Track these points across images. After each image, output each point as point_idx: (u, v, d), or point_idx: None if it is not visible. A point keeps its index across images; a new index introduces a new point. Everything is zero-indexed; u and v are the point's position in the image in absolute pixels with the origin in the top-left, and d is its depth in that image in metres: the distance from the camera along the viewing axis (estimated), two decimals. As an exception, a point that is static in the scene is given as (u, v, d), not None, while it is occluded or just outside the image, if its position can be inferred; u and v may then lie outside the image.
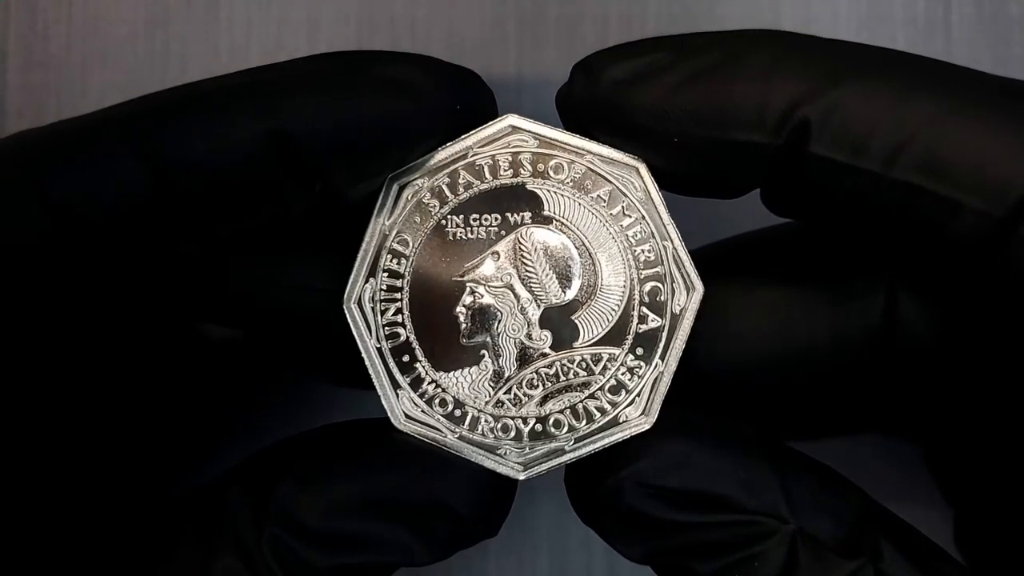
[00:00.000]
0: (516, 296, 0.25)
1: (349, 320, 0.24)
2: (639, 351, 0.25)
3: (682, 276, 0.24)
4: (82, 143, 0.22)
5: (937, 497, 0.31)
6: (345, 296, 0.24)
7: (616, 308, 0.25)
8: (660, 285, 0.25)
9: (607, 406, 0.25)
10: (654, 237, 0.25)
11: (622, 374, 0.25)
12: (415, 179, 0.25)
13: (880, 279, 0.26)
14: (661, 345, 0.24)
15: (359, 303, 0.25)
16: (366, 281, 0.25)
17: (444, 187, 0.25)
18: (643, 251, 0.25)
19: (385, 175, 0.24)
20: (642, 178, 0.24)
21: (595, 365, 0.25)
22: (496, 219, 0.25)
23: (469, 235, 0.25)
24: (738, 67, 0.23)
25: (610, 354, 0.25)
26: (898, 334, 0.26)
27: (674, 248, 0.24)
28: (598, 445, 0.24)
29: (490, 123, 0.25)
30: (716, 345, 0.26)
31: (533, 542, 0.33)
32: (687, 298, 0.24)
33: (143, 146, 0.22)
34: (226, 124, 0.22)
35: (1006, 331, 0.24)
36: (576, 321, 0.25)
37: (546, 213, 0.25)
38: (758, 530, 0.23)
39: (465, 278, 0.25)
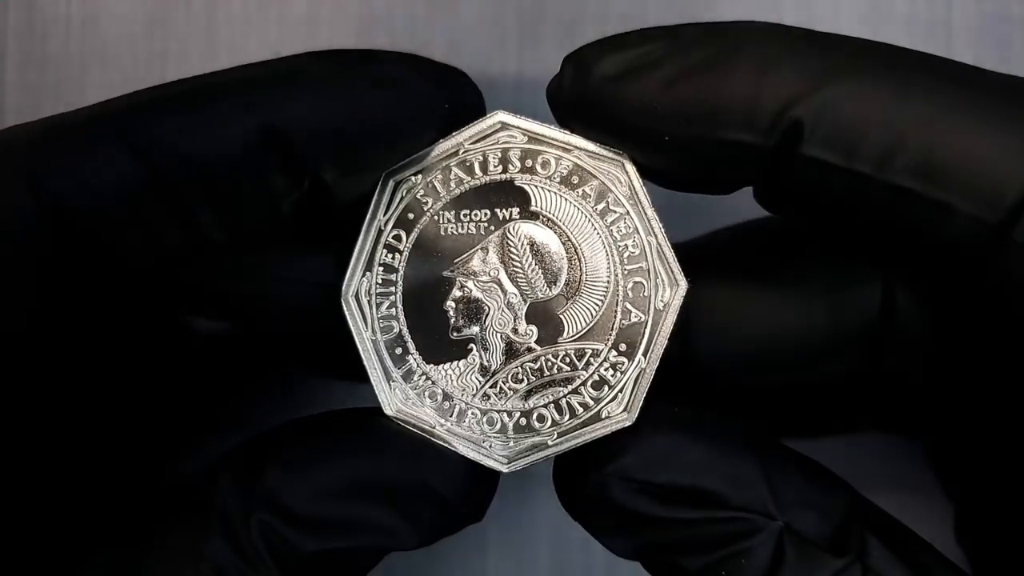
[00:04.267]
0: (503, 291, 0.25)
1: (347, 313, 0.25)
2: (622, 347, 0.24)
3: (666, 272, 0.24)
4: (75, 137, 0.23)
5: (937, 492, 0.31)
6: (343, 290, 0.25)
7: (600, 304, 0.25)
8: (644, 281, 0.24)
9: (590, 401, 0.25)
10: (638, 232, 0.25)
11: (605, 370, 0.25)
12: (410, 175, 0.25)
13: (877, 269, 0.26)
14: (644, 341, 0.24)
15: (356, 296, 0.25)
16: (363, 275, 0.25)
17: (437, 183, 0.25)
18: (628, 246, 0.25)
19: (374, 172, 0.25)
20: (627, 173, 0.24)
21: (579, 360, 0.25)
22: (486, 215, 0.25)
23: (460, 230, 0.25)
24: (730, 64, 0.22)
25: (593, 349, 0.25)
26: (896, 325, 0.26)
27: (658, 244, 0.24)
28: (580, 440, 0.24)
29: (480, 120, 0.25)
30: (713, 339, 0.26)
31: (533, 542, 0.33)
32: (671, 294, 0.24)
33: (136, 140, 0.22)
34: (219, 119, 0.22)
35: (1001, 331, 0.24)
36: (561, 316, 0.25)
37: (533, 208, 0.25)
38: (744, 527, 0.23)
39: (455, 273, 0.25)
